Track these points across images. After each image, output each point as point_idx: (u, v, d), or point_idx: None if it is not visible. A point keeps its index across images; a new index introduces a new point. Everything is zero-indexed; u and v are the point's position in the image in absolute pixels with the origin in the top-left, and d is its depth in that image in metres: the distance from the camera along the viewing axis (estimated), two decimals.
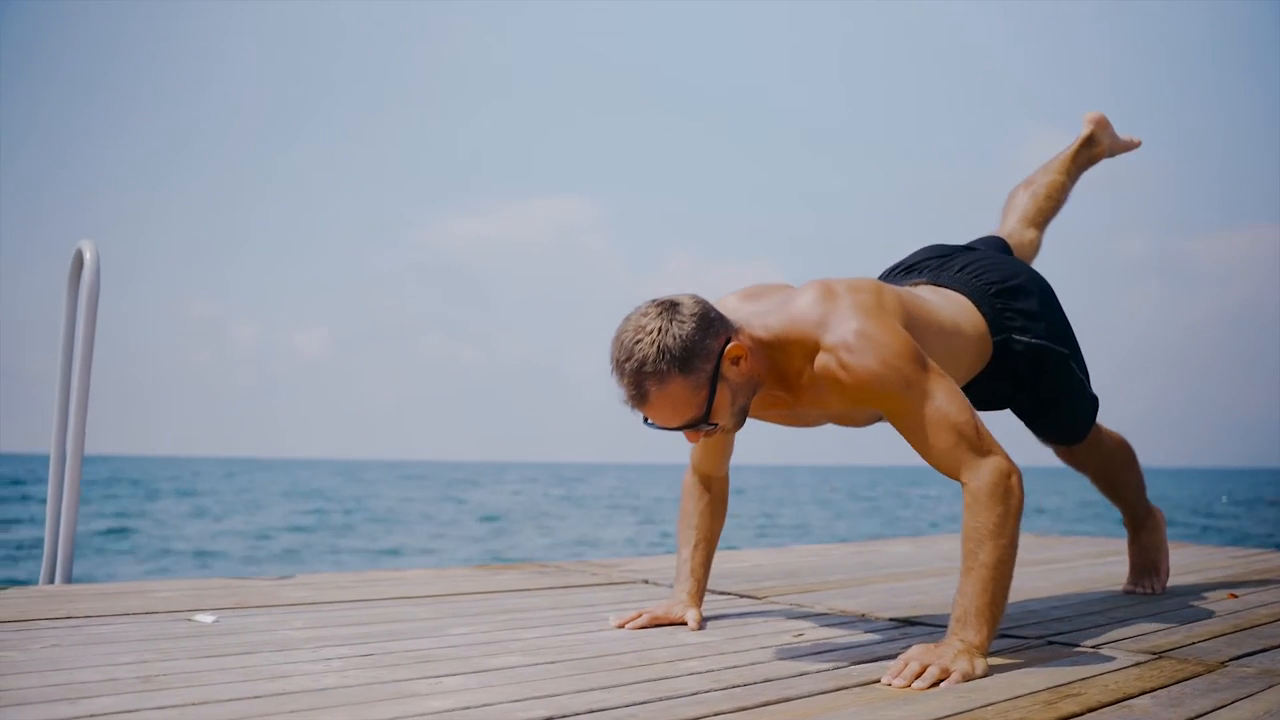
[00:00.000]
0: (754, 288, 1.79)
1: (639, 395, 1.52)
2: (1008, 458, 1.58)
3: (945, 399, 1.57)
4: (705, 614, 2.03)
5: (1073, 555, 3.36)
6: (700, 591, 1.98)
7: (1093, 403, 2.18)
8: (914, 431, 1.59)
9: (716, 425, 1.58)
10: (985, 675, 1.50)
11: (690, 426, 1.56)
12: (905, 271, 2.10)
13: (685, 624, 1.90)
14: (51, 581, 2.47)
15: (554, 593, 2.36)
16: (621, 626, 1.89)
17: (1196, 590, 2.52)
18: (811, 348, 1.62)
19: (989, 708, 1.32)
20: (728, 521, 2.05)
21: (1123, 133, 2.49)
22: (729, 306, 1.73)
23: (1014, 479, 1.55)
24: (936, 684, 1.43)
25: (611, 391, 1.55)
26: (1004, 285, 1.98)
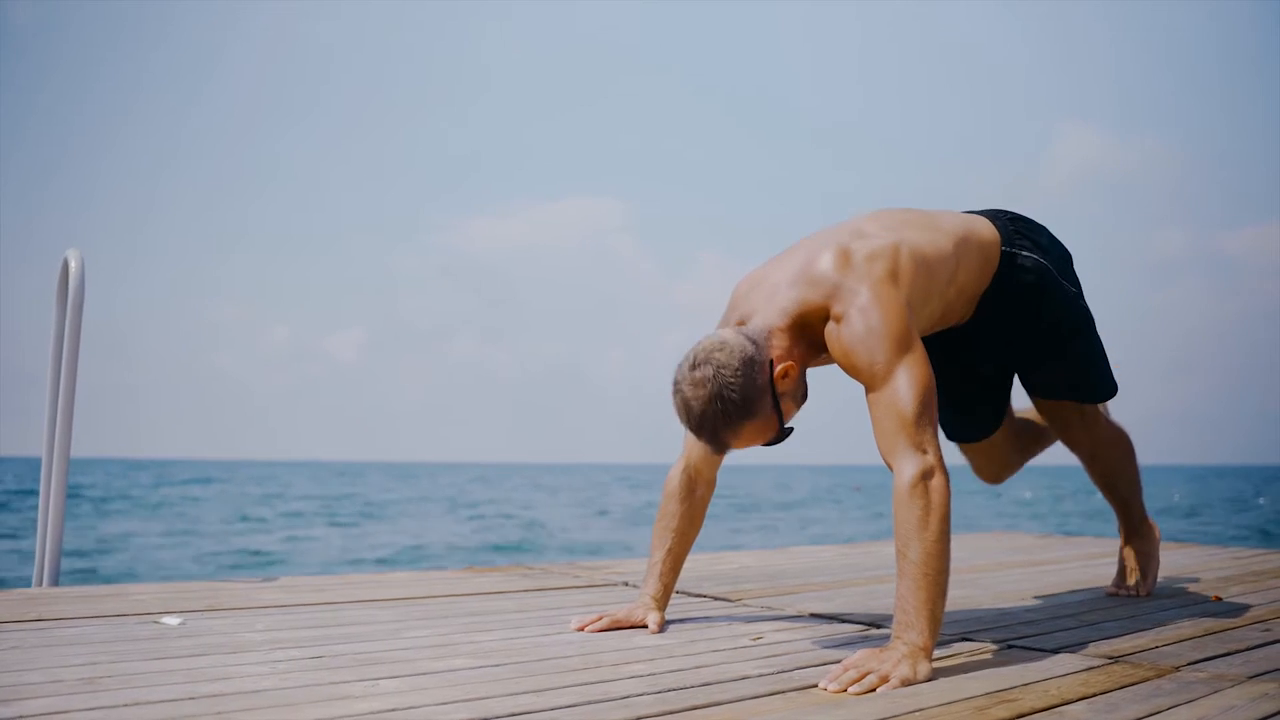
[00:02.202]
0: (782, 254, 1.87)
1: (720, 446, 1.70)
2: (940, 461, 1.59)
3: (907, 388, 1.63)
4: (673, 617, 2.03)
5: (1068, 556, 3.32)
6: (666, 595, 1.98)
7: (1106, 367, 2.19)
8: (871, 406, 1.68)
9: (793, 428, 1.74)
10: (929, 679, 1.49)
11: (773, 443, 1.72)
12: None
13: (646, 627, 1.91)
14: (41, 584, 2.52)
15: (526, 595, 2.37)
16: (581, 629, 1.89)
17: (1183, 592, 2.49)
18: (826, 313, 1.73)
19: (919, 713, 1.31)
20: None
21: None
22: (755, 280, 1.83)
23: (937, 479, 1.57)
24: (873, 690, 1.42)
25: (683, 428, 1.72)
26: (1018, 216, 2.08)
